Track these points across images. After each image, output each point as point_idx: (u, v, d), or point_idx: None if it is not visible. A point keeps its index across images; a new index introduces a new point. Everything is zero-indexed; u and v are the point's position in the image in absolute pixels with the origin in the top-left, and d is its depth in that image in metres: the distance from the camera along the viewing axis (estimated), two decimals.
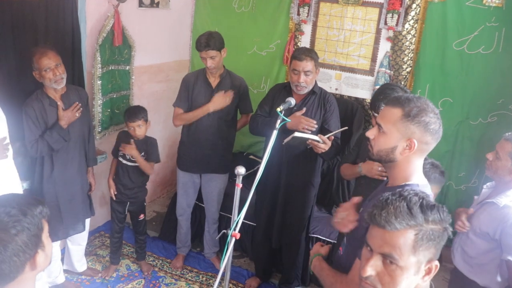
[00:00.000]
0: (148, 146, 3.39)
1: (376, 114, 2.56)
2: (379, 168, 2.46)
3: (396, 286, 1.17)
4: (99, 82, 3.62)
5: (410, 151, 1.54)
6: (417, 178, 1.58)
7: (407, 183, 1.56)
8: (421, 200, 1.18)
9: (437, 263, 1.20)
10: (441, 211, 1.18)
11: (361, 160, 2.68)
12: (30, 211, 1.29)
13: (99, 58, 3.56)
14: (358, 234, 1.62)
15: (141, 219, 3.59)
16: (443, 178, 2.31)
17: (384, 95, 2.53)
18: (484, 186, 2.52)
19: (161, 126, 4.60)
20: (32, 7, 3.04)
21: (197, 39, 3.19)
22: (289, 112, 2.91)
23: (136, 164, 3.35)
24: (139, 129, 3.27)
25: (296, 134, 2.60)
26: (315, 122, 2.91)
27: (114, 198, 3.43)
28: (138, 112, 3.30)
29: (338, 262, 1.80)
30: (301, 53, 2.96)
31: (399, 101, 1.57)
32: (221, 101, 3.28)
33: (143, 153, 3.35)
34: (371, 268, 1.19)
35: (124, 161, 3.36)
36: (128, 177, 3.39)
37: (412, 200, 1.17)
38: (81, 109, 2.96)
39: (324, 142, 2.68)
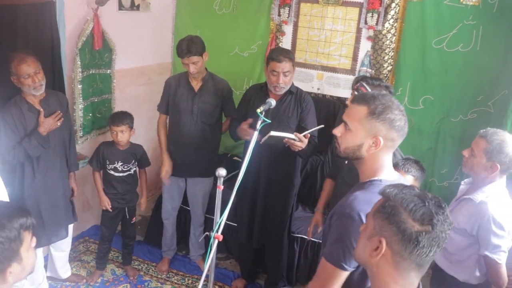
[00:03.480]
0: (138, 155, 3.41)
1: (355, 92, 2.64)
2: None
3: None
4: (79, 86, 3.60)
5: (376, 148, 1.56)
6: (384, 174, 1.61)
7: (371, 179, 1.60)
8: None
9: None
10: None
11: (336, 162, 2.74)
12: (9, 224, 1.27)
13: (79, 62, 3.53)
14: (325, 233, 1.65)
15: (133, 222, 3.59)
16: (423, 174, 2.35)
17: (364, 77, 2.68)
18: (462, 183, 2.54)
19: (144, 129, 4.57)
20: (10, 12, 3.02)
21: (178, 45, 3.17)
22: (266, 113, 2.91)
23: (130, 172, 3.36)
24: (121, 134, 3.25)
25: (272, 133, 2.61)
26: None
27: (111, 211, 3.40)
28: (123, 117, 3.28)
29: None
30: (279, 54, 2.96)
31: (364, 99, 1.59)
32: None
33: (133, 161, 3.34)
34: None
35: (117, 174, 3.35)
36: (124, 186, 3.40)
37: None
38: (62, 118, 2.93)
39: (300, 140, 2.68)
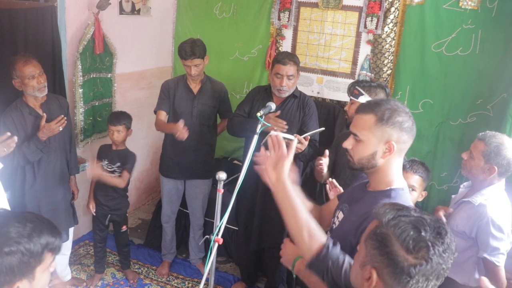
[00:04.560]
0: (126, 160, 3.35)
1: (350, 97, 2.66)
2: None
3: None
4: (80, 90, 3.61)
5: (391, 154, 1.55)
6: (399, 182, 1.61)
7: (391, 187, 1.58)
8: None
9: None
10: None
11: (338, 165, 2.73)
12: (36, 238, 1.24)
13: (80, 66, 3.54)
14: (346, 241, 1.63)
15: (123, 230, 3.56)
16: (429, 175, 2.40)
17: (357, 82, 2.73)
18: (461, 186, 2.55)
19: (145, 133, 4.59)
20: (10, 16, 3.03)
21: (181, 47, 3.19)
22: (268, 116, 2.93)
23: (114, 175, 3.34)
24: (117, 134, 3.26)
25: (273, 133, 2.61)
26: (285, 122, 2.93)
27: (94, 214, 3.41)
28: (120, 117, 3.29)
29: None
30: (284, 57, 3.00)
31: (369, 107, 1.59)
32: (180, 132, 3.05)
33: (119, 164, 3.33)
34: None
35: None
36: (108, 188, 3.36)
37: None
38: (65, 123, 2.92)
39: (300, 142, 2.69)
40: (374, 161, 1.57)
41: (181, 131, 3.05)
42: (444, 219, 2.44)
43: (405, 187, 1.61)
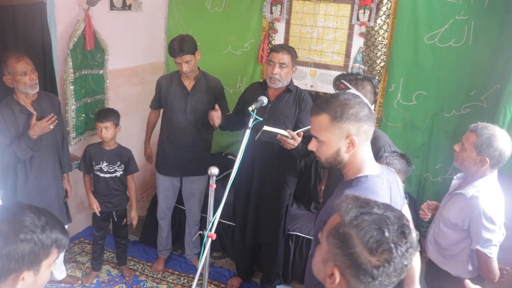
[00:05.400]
0: (124, 158, 3.37)
1: (336, 91, 2.63)
2: None
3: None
4: (71, 87, 3.58)
5: (354, 147, 1.57)
6: (367, 169, 1.62)
7: (357, 176, 1.60)
8: None
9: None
10: None
11: None
12: (49, 232, 1.27)
13: (70, 63, 3.51)
14: (316, 224, 1.66)
15: (124, 223, 3.56)
16: (408, 167, 2.37)
17: (342, 75, 2.69)
18: (454, 177, 2.54)
19: (139, 129, 4.56)
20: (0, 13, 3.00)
21: (170, 44, 3.17)
22: (262, 110, 2.91)
23: (116, 174, 3.34)
24: (106, 131, 3.24)
25: (266, 128, 2.60)
26: None
27: (99, 215, 3.38)
28: (108, 114, 3.27)
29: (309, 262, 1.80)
30: (279, 46, 3.05)
31: (320, 107, 1.59)
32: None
33: (119, 163, 3.32)
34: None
35: (102, 174, 3.33)
36: (111, 188, 3.36)
37: None
38: (56, 121, 2.90)
39: (293, 138, 2.68)
40: (339, 157, 1.59)
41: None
42: (427, 212, 2.45)
43: (372, 174, 1.61)
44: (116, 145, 3.36)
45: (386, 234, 1.04)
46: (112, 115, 3.27)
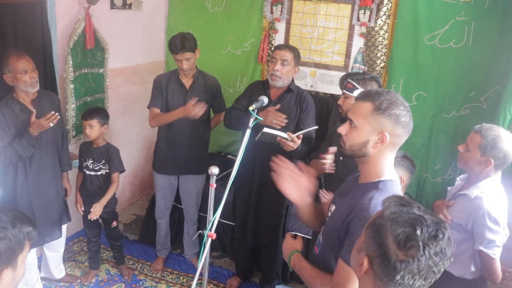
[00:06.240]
0: (109, 155, 3.33)
1: (344, 91, 2.63)
2: (327, 165, 2.59)
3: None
4: (71, 86, 3.58)
5: (382, 145, 1.54)
6: (389, 174, 1.60)
7: (380, 179, 1.57)
8: None
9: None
10: None
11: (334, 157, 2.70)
12: (19, 226, 1.26)
13: (70, 62, 3.51)
14: (334, 233, 1.62)
15: (113, 226, 3.52)
16: (412, 169, 2.35)
17: (349, 75, 2.69)
18: (458, 179, 2.55)
19: (138, 129, 4.56)
20: (0, 11, 2.99)
21: (171, 41, 3.17)
22: (262, 110, 2.90)
23: (101, 173, 3.31)
24: (90, 129, 3.22)
25: (265, 130, 2.60)
26: (284, 116, 2.87)
27: (82, 213, 3.37)
28: (93, 112, 3.26)
29: (315, 261, 1.79)
30: (283, 45, 3.08)
31: (369, 95, 1.58)
32: (192, 110, 3.05)
33: (103, 161, 3.31)
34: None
35: (88, 172, 3.32)
36: (96, 186, 3.33)
37: None
38: (57, 118, 2.85)
39: (292, 140, 2.68)
40: (365, 149, 1.57)
41: (191, 109, 3.04)
42: (449, 216, 2.40)
43: (395, 179, 1.61)
44: (105, 143, 3.34)
45: (418, 232, 1.05)
46: (97, 113, 3.26)
